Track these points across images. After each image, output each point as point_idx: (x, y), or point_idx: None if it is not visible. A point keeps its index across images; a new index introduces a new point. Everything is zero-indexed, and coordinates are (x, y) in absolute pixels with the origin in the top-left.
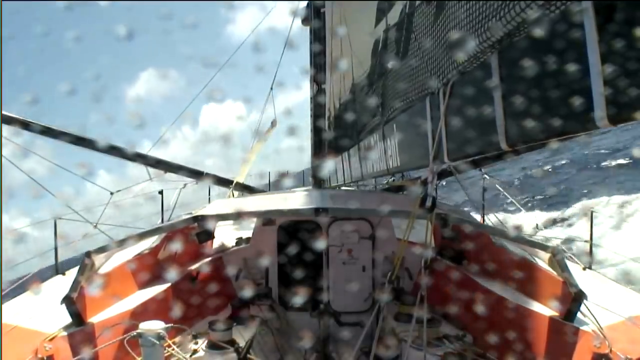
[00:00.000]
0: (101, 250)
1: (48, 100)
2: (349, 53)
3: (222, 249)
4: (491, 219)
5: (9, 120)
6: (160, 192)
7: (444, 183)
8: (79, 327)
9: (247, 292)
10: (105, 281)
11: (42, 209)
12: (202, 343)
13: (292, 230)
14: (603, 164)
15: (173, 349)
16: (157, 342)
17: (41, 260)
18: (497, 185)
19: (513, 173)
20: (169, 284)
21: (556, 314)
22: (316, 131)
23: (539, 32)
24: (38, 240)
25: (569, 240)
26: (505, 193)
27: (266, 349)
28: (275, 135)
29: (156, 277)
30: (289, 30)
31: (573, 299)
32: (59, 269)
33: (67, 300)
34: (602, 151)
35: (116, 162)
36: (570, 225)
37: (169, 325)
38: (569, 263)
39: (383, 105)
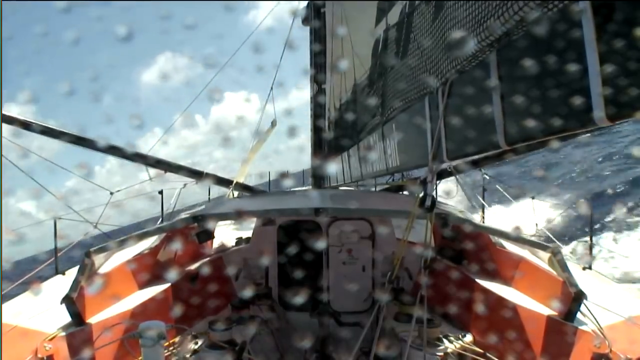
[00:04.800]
0: (101, 250)
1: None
2: (349, 53)
3: (222, 249)
4: (491, 219)
5: (9, 120)
6: (160, 192)
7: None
8: (79, 327)
9: (247, 292)
10: (105, 281)
11: (42, 209)
12: (202, 343)
13: (292, 230)
14: None
15: (173, 349)
16: (157, 342)
17: (41, 260)
18: (497, 186)
19: None
20: (168, 284)
21: (556, 314)
22: (316, 131)
23: (537, 31)
24: (38, 240)
25: (569, 241)
26: (505, 193)
27: (266, 349)
28: (274, 135)
29: (156, 277)
30: (289, 30)
31: (573, 299)
32: (58, 268)
33: (67, 300)
34: None
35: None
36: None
37: (169, 325)
38: (569, 263)
39: (382, 104)
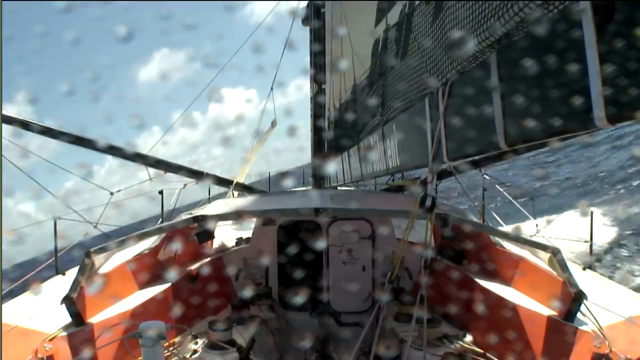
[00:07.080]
0: (101, 250)
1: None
2: (349, 53)
3: (222, 249)
4: (491, 219)
5: (9, 120)
6: (160, 192)
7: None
8: (79, 327)
9: (247, 292)
10: (105, 281)
11: (42, 209)
12: (202, 343)
13: (292, 230)
14: None
15: (173, 349)
16: (157, 342)
17: (41, 260)
18: (497, 186)
19: None
20: (169, 284)
21: (556, 314)
22: (316, 131)
23: (537, 31)
24: (38, 240)
25: (569, 241)
26: (505, 193)
27: (266, 349)
28: (274, 136)
29: (156, 277)
30: (289, 31)
31: (573, 299)
32: (59, 269)
33: (67, 300)
34: None
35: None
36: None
37: (169, 325)
38: (569, 263)
39: (383, 105)
